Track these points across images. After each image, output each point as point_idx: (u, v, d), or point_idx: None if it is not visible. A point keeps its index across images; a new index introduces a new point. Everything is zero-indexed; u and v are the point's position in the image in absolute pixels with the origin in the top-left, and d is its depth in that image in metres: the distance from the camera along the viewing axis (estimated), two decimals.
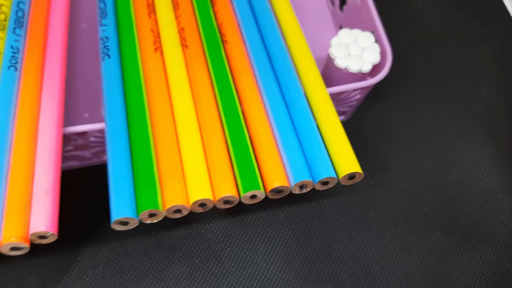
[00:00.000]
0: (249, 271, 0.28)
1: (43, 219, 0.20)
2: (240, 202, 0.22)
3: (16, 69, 0.26)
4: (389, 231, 0.30)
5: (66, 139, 0.26)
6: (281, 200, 0.31)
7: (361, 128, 0.33)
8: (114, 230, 0.29)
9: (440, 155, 0.33)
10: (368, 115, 0.33)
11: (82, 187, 0.29)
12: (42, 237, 0.20)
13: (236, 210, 0.30)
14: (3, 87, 0.25)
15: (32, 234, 0.20)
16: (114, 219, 0.21)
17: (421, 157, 0.33)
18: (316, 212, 0.30)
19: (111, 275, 0.28)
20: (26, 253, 0.28)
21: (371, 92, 0.31)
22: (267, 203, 0.30)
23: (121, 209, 0.21)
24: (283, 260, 0.29)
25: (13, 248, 0.20)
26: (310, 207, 0.31)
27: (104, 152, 0.29)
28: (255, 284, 0.28)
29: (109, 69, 0.26)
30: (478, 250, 0.30)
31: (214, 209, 0.30)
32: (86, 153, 0.29)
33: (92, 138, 0.27)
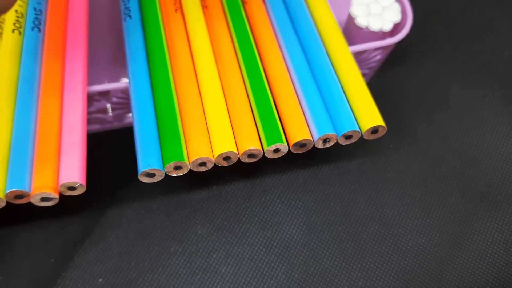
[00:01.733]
0: (269, 232, 0.29)
1: (72, 171, 0.21)
2: (263, 157, 0.22)
3: (39, 30, 0.26)
4: (408, 192, 0.30)
5: (89, 99, 0.26)
6: (300, 163, 0.31)
7: (380, 91, 0.33)
8: (136, 192, 0.29)
9: (460, 118, 0.33)
10: (387, 78, 0.33)
11: (104, 151, 0.29)
12: (71, 188, 0.21)
13: (255, 173, 0.30)
14: (28, 47, 0.25)
15: (62, 185, 0.20)
16: (141, 171, 0.21)
17: (441, 119, 0.33)
18: (335, 175, 0.31)
19: (134, 235, 0.28)
20: (50, 214, 0.28)
21: (390, 55, 0.31)
22: (286, 167, 0.31)
23: (148, 160, 0.21)
24: (303, 222, 0.29)
25: (43, 199, 0.21)
26: (329, 170, 0.31)
27: (125, 115, 0.30)
28: (275, 244, 0.28)
29: (131, 29, 0.26)
30: (497, 211, 0.30)
31: (234, 171, 0.30)
32: (108, 116, 0.29)
33: (114, 99, 0.27)
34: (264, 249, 0.28)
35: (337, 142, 0.23)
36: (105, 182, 0.29)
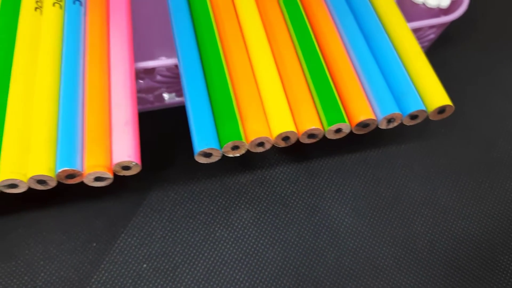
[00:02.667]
0: (316, 217, 0.28)
1: (126, 149, 0.20)
2: (324, 137, 0.21)
3: (81, 3, 0.25)
4: (460, 178, 0.29)
5: None
6: (347, 147, 0.30)
7: None
8: (178, 175, 0.28)
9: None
10: (437, 59, 0.32)
11: (144, 132, 0.28)
12: (126, 168, 0.20)
13: (301, 156, 0.29)
14: (70, 21, 0.24)
15: (116, 165, 0.20)
16: (199, 150, 0.20)
17: (493, 102, 0.31)
18: (384, 159, 0.29)
19: (178, 219, 0.27)
20: (90, 197, 0.27)
21: (441, 35, 0.29)
22: (333, 150, 0.30)
23: (205, 140, 0.20)
24: (352, 207, 0.28)
25: (97, 179, 0.20)
26: (378, 154, 0.30)
27: (164, 94, 0.29)
28: (323, 230, 0.27)
29: (177, 3, 0.25)
30: None
31: (278, 155, 0.29)
32: (149, 96, 0.28)
33: (158, 77, 0.26)
34: (312, 235, 0.27)
35: (401, 122, 0.22)
36: (145, 164, 0.28)
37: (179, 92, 0.28)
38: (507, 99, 0.31)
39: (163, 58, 0.30)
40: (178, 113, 0.30)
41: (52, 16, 0.24)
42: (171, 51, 0.30)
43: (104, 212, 0.27)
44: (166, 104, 0.29)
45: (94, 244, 0.26)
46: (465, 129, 0.30)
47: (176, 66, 0.24)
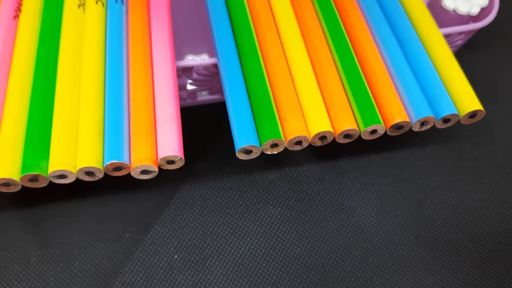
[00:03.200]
0: (342, 215, 0.29)
1: (171, 144, 0.21)
2: (359, 137, 0.22)
3: (123, 2, 0.26)
4: (483, 180, 0.30)
5: None
6: (373, 148, 0.30)
7: None
8: (208, 169, 0.29)
9: None
10: (464, 63, 0.33)
11: None
12: (171, 162, 0.21)
13: (327, 155, 0.30)
14: (112, 19, 0.25)
15: (162, 159, 0.20)
16: (240, 147, 0.21)
17: None
18: (409, 160, 0.30)
19: (208, 213, 0.28)
20: (124, 189, 0.28)
21: (468, 41, 0.30)
22: (359, 150, 0.30)
23: (247, 137, 0.21)
24: (376, 206, 0.29)
25: (143, 172, 0.20)
26: (402, 155, 0.30)
27: (198, 92, 0.29)
28: (349, 227, 0.28)
29: (216, 4, 0.25)
30: None
31: (306, 153, 0.30)
32: (183, 93, 0.29)
33: (195, 75, 0.27)
34: (338, 232, 0.28)
35: (434, 125, 0.22)
36: None
37: (212, 90, 0.29)
38: None
39: (192, 55, 0.31)
40: (209, 110, 0.31)
41: (94, 13, 0.25)
42: (199, 48, 0.31)
43: (138, 204, 0.28)
44: (198, 101, 0.30)
45: (128, 235, 0.27)
46: (487, 132, 0.31)
47: (214, 65, 0.25)
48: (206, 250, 0.27)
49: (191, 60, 0.25)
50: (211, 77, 0.27)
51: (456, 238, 0.28)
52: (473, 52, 0.34)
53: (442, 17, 0.28)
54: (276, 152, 0.22)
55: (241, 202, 0.28)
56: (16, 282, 0.26)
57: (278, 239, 0.28)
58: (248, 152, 0.21)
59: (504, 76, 0.33)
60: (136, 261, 0.27)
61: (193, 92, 0.29)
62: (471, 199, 0.29)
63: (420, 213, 0.29)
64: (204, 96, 0.30)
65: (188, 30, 0.32)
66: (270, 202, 0.29)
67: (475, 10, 0.27)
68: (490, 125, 0.31)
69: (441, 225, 0.28)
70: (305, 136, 0.21)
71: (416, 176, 0.30)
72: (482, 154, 0.31)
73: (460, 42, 0.28)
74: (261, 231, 0.28)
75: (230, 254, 0.27)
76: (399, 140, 0.31)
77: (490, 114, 0.32)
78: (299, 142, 0.22)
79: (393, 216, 0.29)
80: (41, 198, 0.28)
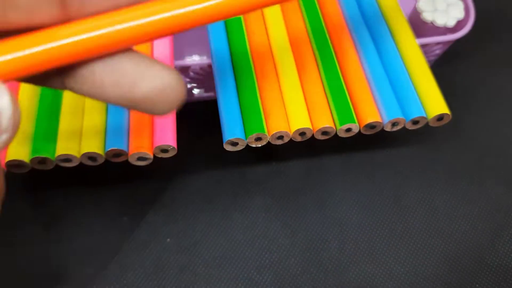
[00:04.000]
0: (324, 209, 0.31)
1: (165, 135, 0.23)
2: (335, 136, 0.24)
3: None
4: (455, 182, 0.32)
5: None
6: (356, 148, 0.33)
7: None
8: (201, 162, 0.32)
9: (509, 114, 0.34)
10: (442, 71, 0.35)
11: None
12: (164, 150, 0.23)
13: (314, 153, 0.32)
14: None
15: (156, 147, 0.23)
16: (227, 139, 0.23)
17: (491, 116, 0.34)
18: (388, 160, 0.32)
19: (200, 202, 0.30)
20: (122, 177, 0.31)
21: (448, 50, 0.32)
22: (343, 148, 0.33)
23: (233, 130, 0.23)
24: (356, 202, 0.31)
25: (139, 158, 0.23)
26: (382, 156, 0.33)
27: (193, 89, 0.32)
28: (329, 220, 0.30)
29: None
30: None
31: (293, 150, 0.32)
32: None
33: (191, 74, 0.29)
34: (318, 224, 0.30)
35: (404, 126, 0.25)
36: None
37: (207, 88, 0.31)
38: (503, 114, 0.34)
39: (195, 56, 0.33)
40: (206, 107, 0.33)
41: None
42: (198, 49, 0.34)
43: (135, 191, 0.30)
44: (195, 98, 0.32)
45: (125, 218, 0.30)
46: (462, 137, 0.33)
47: (209, 65, 0.27)
48: (196, 235, 0.30)
49: (188, 60, 0.27)
50: (206, 76, 0.29)
51: (428, 233, 0.30)
52: (455, 61, 0.36)
53: (422, 28, 0.30)
54: (260, 145, 0.24)
55: (230, 193, 0.31)
56: (21, 260, 0.28)
57: (263, 228, 0.30)
58: (234, 144, 0.23)
59: (482, 85, 0.35)
60: (131, 243, 0.29)
61: (189, 90, 0.31)
62: (443, 199, 0.31)
63: (395, 209, 0.31)
64: (200, 94, 0.32)
65: (189, 34, 0.34)
66: (257, 194, 0.31)
67: (451, 23, 0.29)
68: (465, 132, 0.34)
69: (414, 221, 0.31)
70: (286, 132, 0.24)
71: (394, 175, 0.32)
72: (456, 158, 0.33)
73: (438, 51, 0.31)
74: (247, 220, 0.30)
75: (218, 240, 0.29)
76: (379, 141, 0.33)
77: (466, 121, 0.34)
78: (280, 137, 0.24)
79: (370, 211, 0.31)
80: (46, 183, 0.30)
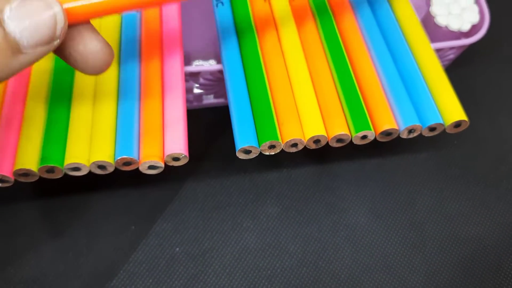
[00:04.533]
0: (335, 216, 0.30)
1: (177, 143, 0.22)
2: (350, 142, 0.24)
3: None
4: (470, 187, 0.31)
5: None
6: (367, 153, 0.32)
7: None
8: (211, 168, 0.31)
9: None
10: (456, 76, 0.34)
11: None
12: (176, 159, 0.22)
13: (324, 158, 0.32)
14: (127, 28, 0.27)
15: (168, 156, 0.22)
16: (240, 147, 0.23)
17: (504, 120, 0.34)
18: (401, 166, 0.32)
19: (210, 209, 0.30)
20: (131, 185, 0.30)
21: (461, 54, 0.32)
22: (353, 155, 0.32)
23: (246, 138, 0.23)
24: (368, 209, 0.31)
25: (150, 167, 0.22)
26: (394, 161, 0.32)
27: (204, 96, 0.31)
28: (341, 227, 0.30)
29: (223, 15, 0.27)
30: None
31: (304, 156, 0.32)
32: (189, 96, 0.31)
33: (201, 80, 0.28)
34: (330, 232, 0.30)
35: (420, 133, 0.24)
36: None
37: (217, 94, 0.31)
38: None
39: (199, 61, 0.33)
40: (214, 113, 0.33)
41: (110, 19, 0.27)
42: (207, 54, 0.33)
43: (144, 199, 0.30)
44: (204, 104, 0.32)
45: (133, 227, 0.29)
46: (476, 143, 0.33)
47: (219, 71, 0.27)
48: (206, 244, 0.29)
49: (198, 65, 0.27)
50: (216, 82, 0.28)
51: (442, 240, 0.30)
52: (469, 65, 0.36)
53: (435, 32, 0.29)
54: (273, 153, 0.23)
55: (240, 200, 0.30)
56: (27, 268, 0.28)
57: (274, 236, 0.29)
58: (247, 152, 0.23)
59: (495, 89, 0.35)
60: (140, 252, 0.28)
61: (199, 96, 0.31)
62: (457, 205, 0.31)
63: (409, 216, 0.30)
64: (210, 100, 0.32)
65: (197, 37, 0.34)
66: (268, 201, 0.30)
67: (466, 27, 0.28)
68: (480, 136, 0.33)
69: (428, 228, 0.30)
70: (301, 139, 0.23)
71: (407, 181, 0.31)
72: (470, 163, 0.32)
73: (452, 56, 0.30)
74: (258, 228, 0.30)
75: (228, 248, 0.29)
76: (391, 147, 0.32)
77: (479, 125, 0.34)
78: (295, 145, 0.23)
79: (383, 218, 0.30)
80: (54, 191, 0.30)
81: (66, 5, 0.16)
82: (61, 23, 0.15)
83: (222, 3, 0.28)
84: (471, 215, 0.31)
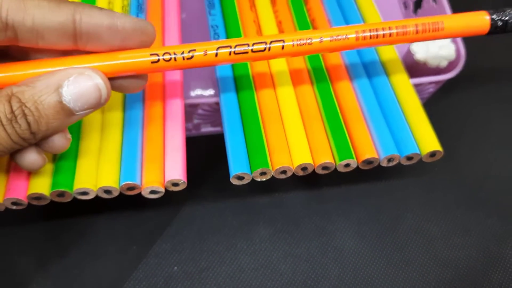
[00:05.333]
0: (324, 238, 0.32)
1: (176, 169, 0.25)
2: (334, 170, 0.26)
3: None
4: (451, 212, 0.34)
5: None
6: (354, 179, 0.34)
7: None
8: (207, 193, 0.33)
9: (500, 149, 0.36)
10: (436, 107, 0.37)
11: None
12: (175, 184, 0.25)
13: (313, 184, 0.34)
14: None
15: (168, 181, 0.24)
16: (234, 174, 0.25)
17: (483, 148, 0.36)
18: (386, 191, 0.34)
19: (206, 231, 0.32)
20: (132, 208, 0.32)
21: (441, 88, 0.34)
22: (341, 180, 0.34)
23: (240, 166, 0.25)
24: (355, 231, 0.33)
25: (152, 192, 0.24)
26: (380, 187, 0.34)
27: (202, 124, 0.34)
28: (329, 249, 0.32)
29: None
30: None
31: (295, 182, 0.34)
32: (189, 125, 0.33)
33: (200, 111, 0.31)
34: (319, 253, 0.32)
35: (399, 162, 0.26)
36: None
37: (214, 123, 0.33)
38: (493, 147, 0.36)
39: (200, 91, 0.35)
40: (211, 141, 0.35)
41: None
42: (206, 83, 0.36)
43: (144, 221, 0.32)
44: (202, 132, 0.34)
45: (134, 247, 0.31)
46: (456, 169, 0.35)
47: (216, 103, 0.29)
48: (202, 264, 0.31)
49: (197, 97, 0.29)
50: (213, 112, 0.31)
51: (424, 262, 0.32)
52: (448, 98, 0.38)
53: (415, 68, 0.32)
54: (264, 179, 0.26)
55: (234, 223, 0.32)
56: (34, 285, 0.29)
57: (266, 256, 0.31)
58: (240, 178, 0.25)
59: (473, 120, 0.37)
60: (140, 271, 0.30)
61: (197, 124, 0.33)
62: (439, 228, 0.33)
63: (393, 238, 0.32)
64: (207, 128, 0.34)
65: (197, 72, 0.36)
66: (261, 223, 0.32)
67: (443, 64, 0.31)
68: (459, 164, 0.35)
69: (411, 250, 0.32)
70: (289, 167, 0.25)
71: (391, 205, 0.33)
72: (451, 188, 0.34)
73: (432, 89, 0.33)
74: (251, 249, 0.32)
75: (223, 268, 0.31)
76: (377, 174, 0.35)
77: (459, 153, 0.36)
78: (284, 172, 0.26)
79: (369, 240, 0.32)
80: (61, 214, 0.32)
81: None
82: (104, 90, 0.20)
83: None
84: (451, 238, 0.33)
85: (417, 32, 0.23)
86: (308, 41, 0.22)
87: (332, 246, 0.32)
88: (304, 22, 0.32)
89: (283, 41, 0.23)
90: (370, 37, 0.23)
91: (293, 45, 0.22)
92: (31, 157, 0.21)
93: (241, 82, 0.28)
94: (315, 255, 0.32)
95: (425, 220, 0.33)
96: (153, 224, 0.32)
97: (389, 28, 0.23)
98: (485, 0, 0.42)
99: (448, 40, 0.32)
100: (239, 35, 0.31)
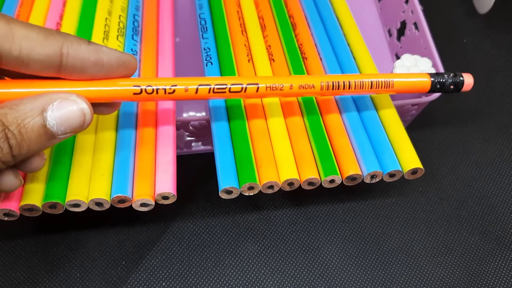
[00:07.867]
0: (310, 255, 0.33)
1: (167, 183, 0.25)
2: (320, 186, 0.27)
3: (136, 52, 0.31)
4: (434, 231, 0.34)
5: None
6: (340, 197, 0.35)
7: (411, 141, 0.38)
8: (197, 209, 0.34)
9: (481, 169, 0.37)
10: (418, 130, 0.38)
11: None
12: (165, 197, 0.25)
13: (301, 202, 0.35)
14: None
15: (158, 195, 0.25)
16: (222, 188, 0.26)
17: (464, 169, 0.37)
18: (371, 210, 0.35)
19: (195, 247, 0.32)
20: (123, 223, 0.33)
21: (422, 111, 0.36)
22: (328, 199, 0.35)
23: (228, 180, 0.26)
24: (340, 248, 0.33)
25: (142, 204, 0.25)
26: (365, 205, 0.35)
27: (192, 142, 0.35)
28: (316, 266, 0.33)
29: (212, 74, 0.31)
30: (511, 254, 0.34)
31: (282, 200, 0.35)
32: (180, 143, 0.34)
33: (191, 128, 0.32)
34: (305, 269, 0.32)
35: (382, 179, 0.27)
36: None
37: (205, 142, 0.34)
38: (474, 168, 0.37)
39: (191, 112, 0.36)
40: (201, 159, 0.36)
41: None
42: (198, 106, 0.37)
43: (134, 236, 0.32)
44: (192, 150, 0.35)
45: (124, 263, 0.32)
46: (439, 190, 0.36)
47: (206, 120, 0.30)
48: (191, 280, 0.31)
49: (188, 115, 0.30)
50: (203, 130, 0.32)
51: (408, 280, 0.32)
52: (430, 121, 0.40)
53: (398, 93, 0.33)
54: (252, 194, 0.27)
55: (223, 239, 0.33)
56: None
57: (254, 273, 0.32)
58: (229, 192, 0.26)
59: (455, 140, 0.39)
60: (129, 286, 0.31)
61: (188, 142, 0.34)
62: (422, 247, 0.34)
63: (377, 256, 0.33)
64: (198, 147, 0.35)
65: None
66: (249, 240, 0.33)
67: None
68: (442, 184, 0.36)
69: (395, 268, 0.33)
70: (276, 182, 0.26)
71: (376, 224, 0.34)
72: (434, 208, 0.35)
73: (414, 112, 0.34)
74: (239, 265, 0.32)
75: (211, 284, 0.31)
76: (363, 193, 0.35)
77: (442, 173, 0.37)
78: (271, 187, 0.26)
79: (354, 257, 0.33)
80: (51, 228, 0.32)
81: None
82: (88, 115, 0.20)
83: (211, 63, 0.32)
84: (434, 256, 0.33)
85: (371, 87, 0.27)
86: (280, 86, 0.25)
87: (318, 263, 0.33)
88: (292, 47, 0.33)
89: (258, 84, 0.25)
90: (333, 87, 0.26)
91: (266, 88, 0.25)
92: (8, 180, 0.21)
93: (231, 100, 0.30)
94: (302, 271, 0.32)
95: (408, 239, 0.34)
96: (143, 240, 0.32)
97: (349, 82, 0.26)
98: (464, 27, 0.45)
99: (429, 65, 0.33)
100: (230, 58, 0.32)
